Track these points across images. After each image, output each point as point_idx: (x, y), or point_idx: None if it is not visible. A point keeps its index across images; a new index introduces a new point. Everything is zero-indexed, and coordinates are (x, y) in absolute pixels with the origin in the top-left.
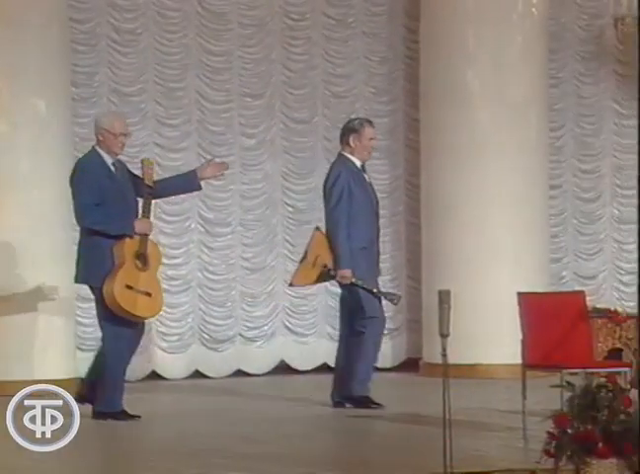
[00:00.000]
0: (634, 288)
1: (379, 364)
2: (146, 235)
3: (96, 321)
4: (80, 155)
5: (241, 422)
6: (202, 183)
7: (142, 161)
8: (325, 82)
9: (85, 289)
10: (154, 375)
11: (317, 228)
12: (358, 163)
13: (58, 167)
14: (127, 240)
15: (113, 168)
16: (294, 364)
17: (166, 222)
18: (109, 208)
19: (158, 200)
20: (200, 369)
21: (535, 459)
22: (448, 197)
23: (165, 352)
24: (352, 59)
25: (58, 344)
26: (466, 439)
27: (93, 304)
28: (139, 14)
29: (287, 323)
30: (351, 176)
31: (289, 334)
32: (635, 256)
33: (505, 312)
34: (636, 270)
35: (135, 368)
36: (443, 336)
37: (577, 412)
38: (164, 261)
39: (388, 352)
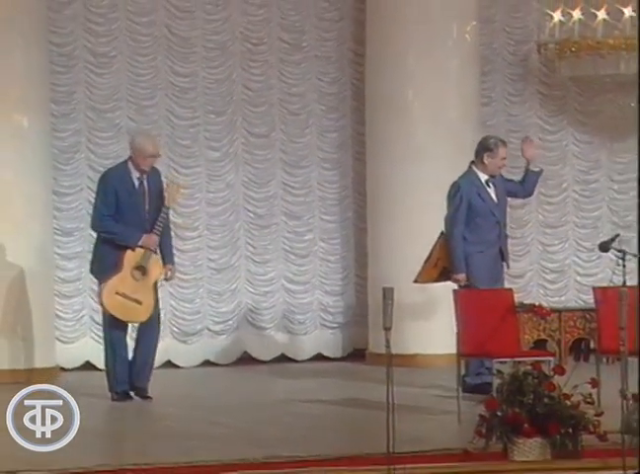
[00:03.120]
0: (557, 286)
1: (329, 354)
2: (150, 249)
3: (74, 316)
4: (60, 166)
5: (208, 407)
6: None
7: (168, 185)
8: (281, 100)
9: (65, 287)
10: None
11: (442, 233)
12: (483, 178)
13: (38, 177)
14: (130, 252)
15: (137, 182)
16: (256, 355)
17: None
18: (120, 220)
19: None
20: (172, 360)
21: (468, 439)
22: (391, 203)
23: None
24: (305, 80)
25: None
26: (407, 422)
27: (72, 301)
28: (113, 38)
29: (250, 318)
30: (471, 188)
31: (251, 328)
32: (558, 256)
33: (442, 307)
34: (559, 269)
35: None
36: (387, 329)
37: (505, 396)
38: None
39: (338, 343)
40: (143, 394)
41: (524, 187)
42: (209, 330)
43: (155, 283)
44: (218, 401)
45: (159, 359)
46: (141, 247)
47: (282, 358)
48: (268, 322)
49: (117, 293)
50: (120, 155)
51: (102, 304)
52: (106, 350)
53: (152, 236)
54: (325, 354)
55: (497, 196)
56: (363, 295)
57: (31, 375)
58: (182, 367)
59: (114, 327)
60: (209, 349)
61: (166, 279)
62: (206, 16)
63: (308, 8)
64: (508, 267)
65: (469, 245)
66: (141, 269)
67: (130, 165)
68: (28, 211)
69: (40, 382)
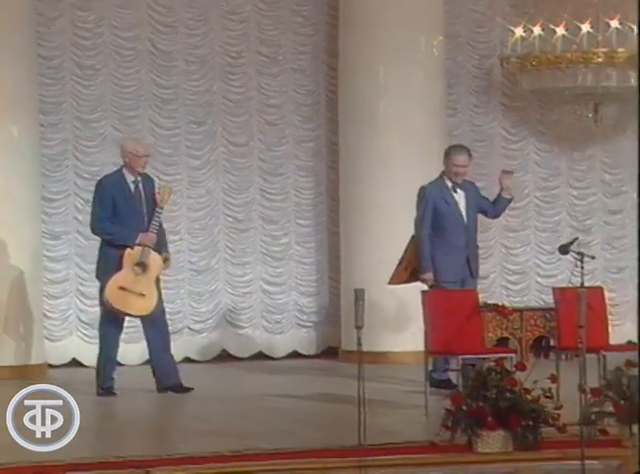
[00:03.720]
0: (520, 286)
1: (304, 352)
2: (148, 246)
3: (61, 315)
4: (48, 173)
5: (188, 402)
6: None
7: (160, 187)
8: (259, 111)
9: (53, 288)
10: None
11: (413, 237)
12: (449, 183)
13: (28, 183)
14: (129, 250)
15: (132, 186)
16: (234, 352)
17: None
18: (118, 222)
19: None
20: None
21: (435, 432)
22: (363, 209)
23: (123, 342)
24: (282, 92)
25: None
26: (377, 416)
27: (60, 301)
28: (99, 52)
29: (228, 317)
30: (436, 192)
31: (230, 326)
32: (520, 259)
33: (410, 306)
34: (521, 270)
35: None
36: (358, 327)
37: (470, 391)
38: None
39: (312, 341)
40: (180, 389)
41: (495, 208)
42: (190, 329)
43: (157, 278)
44: (198, 396)
45: (140, 357)
46: (139, 245)
47: (260, 356)
48: (246, 321)
49: (119, 288)
50: (105, 162)
51: (105, 300)
52: (100, 346)
53: (149, 234)
54: (300, 351)
55: (467, 202)
56: (336, 296)
57: (20, 372)
58: None
59: (108, 325)
60: (190, 346)
61: (166, 267)
62: (188, 31)
63: (285, 23)
64: (473, 276)
65: (436, 247)
66: (142, 265)
67: (125, 171)
68: (18, 216)
69: (30, 378)
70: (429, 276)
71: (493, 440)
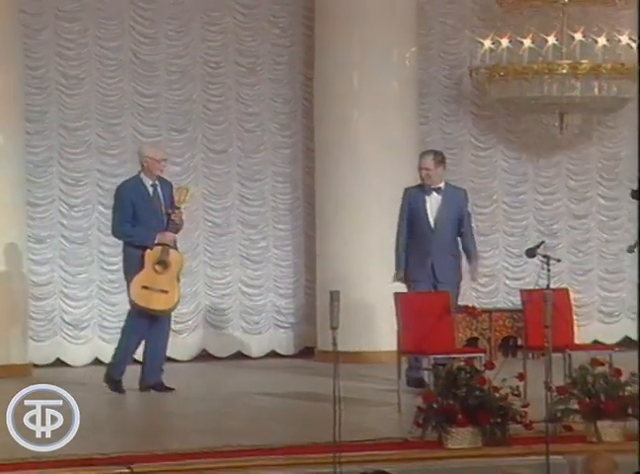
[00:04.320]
0: (489, 288)
1: (282, 352)
2: (168, 245)
3: (45, 316)
4: (33, 179)
5: (169, 400)
6: None
7: (177, 188)
8: (238, 119)
9: (38, 290)
10: (97, 362)
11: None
12: (426, 187)
13: (14, 189)
14: (149, 250)
15: (151, 189)
16: (213, 352)
17: (107, 235)
18: (137, 224)
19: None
20: (136, 357)
21: (407, 429)
22: (338, 213)
23: (107, 342)
24: (259, 101)
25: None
26: (352, 414)
27: (44, 303)
28: (83, 62)
29: (208, 318)
30: (413, 194)
31: (209, 327)
32: (490, 262)
33: (384, 308)
34: (490, 273)
35: (81, 356)
36: (334, 328)
37: (441, 389)
38: (107, 267)
39: (289, 341)
40: (162, 388)
41: (466, 241)
42: (171, 329)
43: (178, 276)
44: (179, 394)
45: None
46: (159, 244)
47: (238, 355)
48: (225, 322)
49: (142, 287)
50: (90, 169)
51: (130, 299)
52: (119, 340)
53: (167, 233)
54: (278, 351)
55: (441, 208)
56: (313, 297)
57: (6, 371)
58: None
59: (131, 318)
60: (171, 346)
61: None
62: (169, 42)
63: (262, 35)
64: (439, 281)
65: (409, 248)
66: (162, 263)
67: (142, 175)
68: (4, 220)
69: (16, 377)
70: (400, 273)
71: (462, 437)
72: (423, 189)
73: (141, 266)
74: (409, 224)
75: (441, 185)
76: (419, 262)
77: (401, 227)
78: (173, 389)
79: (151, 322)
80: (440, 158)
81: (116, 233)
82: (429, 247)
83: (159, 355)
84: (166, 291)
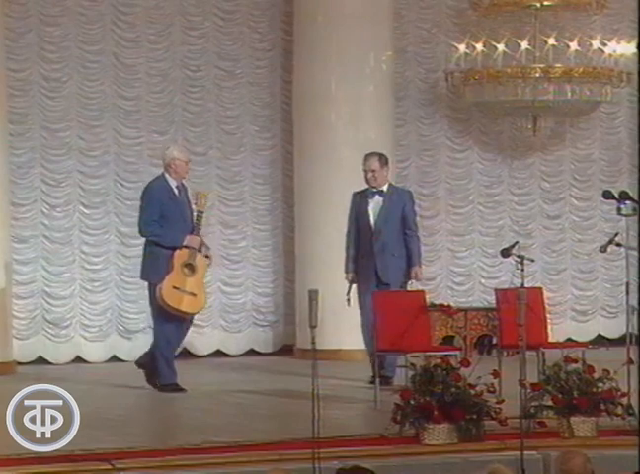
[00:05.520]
0: (465, 288)
1: (261, 349)
2: (194, 248)
3: (28, 315)
4: (16, 180)
5: (149, 397)
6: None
7: (197, 193)
8: (218, 122)
9: (21, 289)
10: (78, 360)
11: None
12: (370, 189)
13: None
14: (178, 251)
15: (176, 190)
16: (194, 350)
17: (89, 235)
18: (165, 224)
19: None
20: (117, 354)
21: (385, 425)
22: (316, 214)
23: (88, 340)
24: (239, 104)
25: None
26: (330, 411)
27: (27, 301)
28: (65, 65)
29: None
30: (357, 199)
31: (191, 325)
32: (465, 262)
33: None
34: (466, 272)
35: (63, 354)
36: (312, 327)
37: (418, 386)
38: (88, 266)
39: (269, 339)
40: (177, 388)
41: (409, 242)
42: (152, 328)
43: (203, 279)
44: (157, 392)
45: (106, 354)
46: (186, 247)
47: (218, 353)
48: (205, 320)
49: (174, 288)
50: (71, 170)
51: (160, 299)
52: (154, 344)
53: (195, 237)
54: (257, 349)
55: (384, 209)
56: (292, 296)
57: None
58: (126, 361)
59: (163, 322)
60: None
61: (209, 264)
62: (150, 45)
63: (242, 39)
64: (383, 283)
65: (357, 249)
66: (189, 266)
67: (167, 177)
68: None
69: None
70: (348, 275)
71: (439, 433)
72: (367, 192)
73: (169, 266)
74: (355, 227)
75: (385, 187)
76: (364, 264)
77: (349, 230)
78: (185, 390)
79: (177, 322)
80: (384, 160)
81: (143, 232)
82: (371, 249)
83: (172, 356)
84: (194, 295)
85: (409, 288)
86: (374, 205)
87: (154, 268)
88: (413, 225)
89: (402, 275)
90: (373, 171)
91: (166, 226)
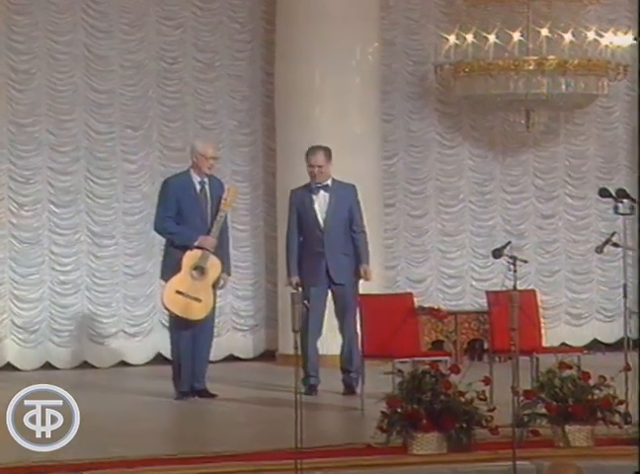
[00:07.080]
0: (455, 290)
1: (242, 355)
2: (207, 250)
3: None
4: None
5: (123, 405)
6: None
7: (228, 189)
8: (195, 116)
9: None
10: (48, 366)
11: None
12: (314, 184)
13: None
14: (189, 252)
15: (198, 187)
16: (169, 355)
17: (59, 235)
18: (182, 222)
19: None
20: (89, 360)
21: (371, 434)
22: None
23: (58, 346)
24: (218, 97)
25: None
26: (314, 419)
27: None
28: (33, 56)
29: (164, 321)
30: (299, 195)
31: (165, 330)
32: (456, 263)
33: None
34: (457, 274)
35: (32, 360)
36: (295, 331)
37: (405, 394)
38: (58, 268)
39: (249, 344)
40: (206, 394)
41: (356, 239)
42: (125, 332)
43: (214, 284)
44: (134, 399)
45: (76, 360)
46: (198, 248)
47: None
48: None
49: (176, 292)
50: (40, 166)
51: (163, 305)
52: (172, 352)
53: (209, 238)
54: (236, 355)
55: (330, 206)
56: (274, 299)
57: None
58: (98, 367)
59: (177, 329)
60: (125, 350)
61: (220, 287)
62: (123, 36)
63: (221, 29)
64: (335, 283)
65: (302, 250)
66: (200, 269)
67: (192, 172)
68: None
69: None
70: (293, 279)
71: (427, 442)
72: (309, 188)
73: (178, 267)
74: (299, 227)
75: (329, 182)
76: (313, 265)
77: (290, 232)
78: (216, 395)
79: (194, 329)
80: (329, 154)
81: (157, 228)
82: (321, 248)
83: (204, 361)
84: (199, 300)
85: (360, 289)
86: (320, 201)
87: (167, 268)
88: (360, 221)
89: (353, 274)
90: (320, 166)
91: (182, 224)
